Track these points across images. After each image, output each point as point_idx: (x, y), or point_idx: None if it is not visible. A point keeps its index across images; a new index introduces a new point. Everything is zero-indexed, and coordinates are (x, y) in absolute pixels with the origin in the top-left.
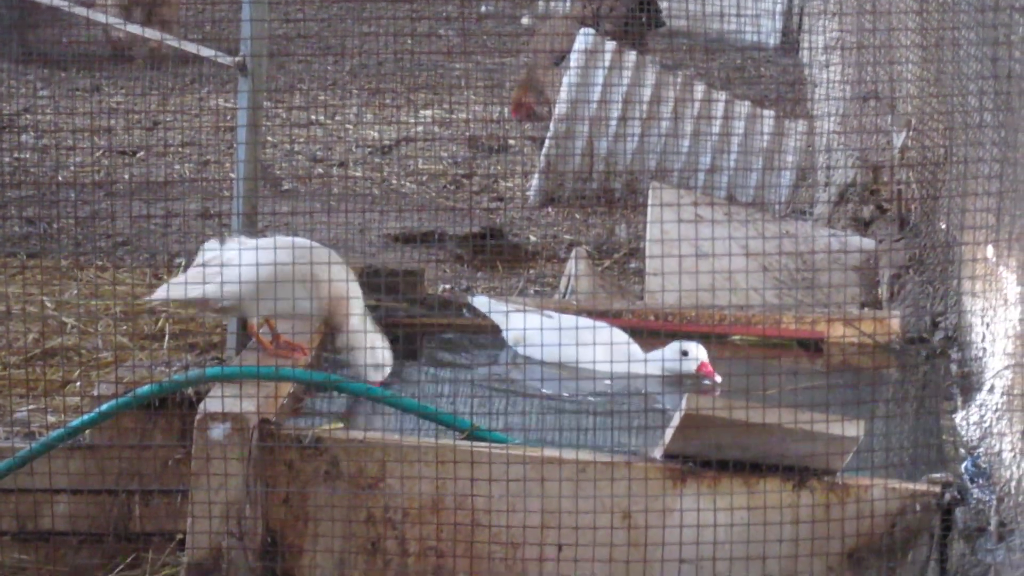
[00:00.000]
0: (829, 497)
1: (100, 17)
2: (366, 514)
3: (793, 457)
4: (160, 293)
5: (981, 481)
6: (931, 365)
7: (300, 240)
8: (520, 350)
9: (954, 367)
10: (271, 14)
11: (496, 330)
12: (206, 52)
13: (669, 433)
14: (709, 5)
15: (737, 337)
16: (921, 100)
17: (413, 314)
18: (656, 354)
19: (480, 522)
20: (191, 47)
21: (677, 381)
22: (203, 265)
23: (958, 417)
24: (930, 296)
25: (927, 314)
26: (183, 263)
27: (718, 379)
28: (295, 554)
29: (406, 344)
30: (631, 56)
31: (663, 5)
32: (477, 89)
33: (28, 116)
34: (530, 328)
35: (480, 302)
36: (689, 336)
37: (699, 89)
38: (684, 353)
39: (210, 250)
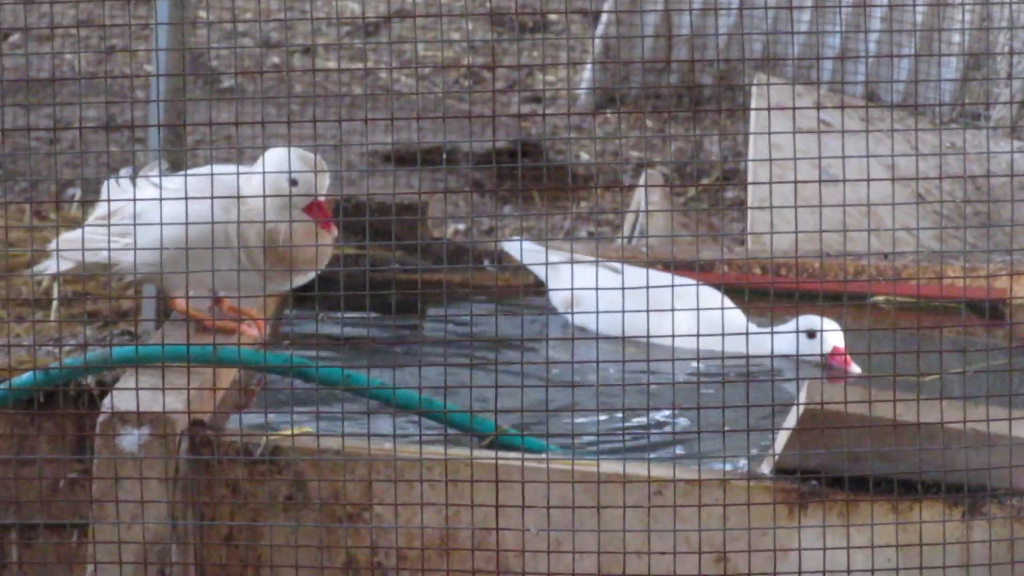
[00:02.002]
0: (1014, 529)
1: None
2: (345, 558)
3: (962, 472)
4: (47, 263)
5: None
6: None
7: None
8: (570, 317)
9: None
10: None
11: (534, 290)
12: None
13: (783, 438)
14: None
15: (881, 298)
16: None
17: (412, 267)
18: (768, 328)
19: (510, 568)
20: None
21: (794, 364)
22: (108, 219)
23: None
24: None
25: None
26: (77, 196)
27: (856, 370)
28: None
29: (402, 310)
30: None
31: None
32: None
33: None
34: (586, 287)
35: (515, 248)
36: (811, 298)
37: None
38: (810, 334)
39: (116, 198)
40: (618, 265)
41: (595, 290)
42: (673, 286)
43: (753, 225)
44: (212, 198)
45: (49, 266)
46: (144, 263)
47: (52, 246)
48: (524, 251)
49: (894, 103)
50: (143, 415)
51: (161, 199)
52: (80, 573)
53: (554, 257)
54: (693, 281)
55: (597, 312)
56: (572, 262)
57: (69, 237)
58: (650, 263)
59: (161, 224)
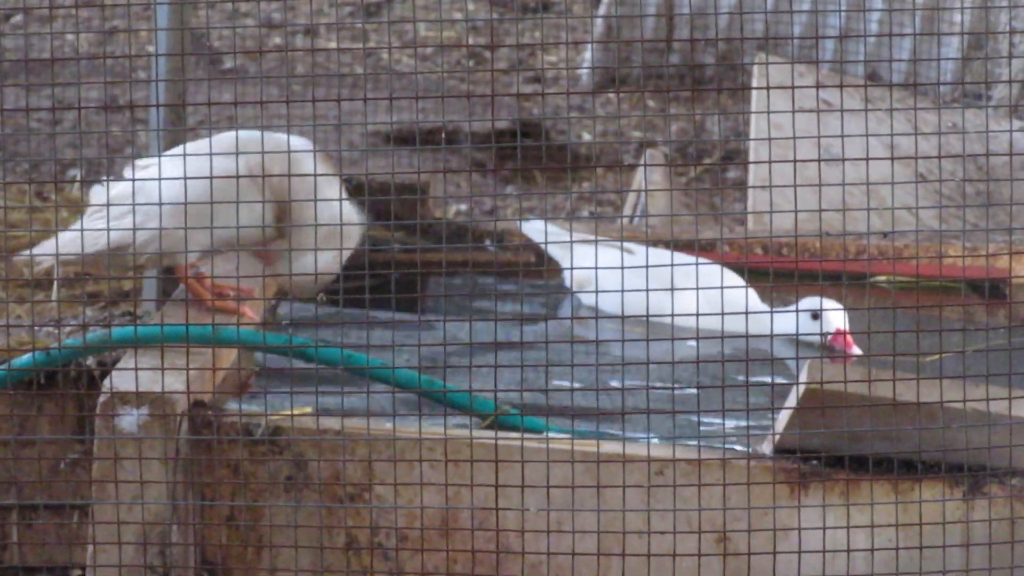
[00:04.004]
0: (1015, 509)
1: None
2: (346, 538)
3: (962, 451)
4: (44, 248)
5: None
6: None
7: (246, 134)
8: (582, 298)
9: None
10: None
11: (534, 269)
12: None
13: (783, 418)
14: None
15: (882, 278)
16: None
17: (412, 247)
18: (770, 308)
19: (511, 548)
20: None
21: (796, 344)
22: (107, 205)
23: None
24: None
25: None
26: (79, 177)
27: (857, 351)
28: None
29: (402, 289)
30: None
31: None
32: None
33: None
34: (602, 267)
35: (533, 229)
36: (811, 277)
37: None
38: (813, 316)
39: (118, 181)
40: (633, 246)
41: (595, 269)
42: (672, 265)
43: (754, 205)
44: (211, 154)
45: (43, 250)
46: (145, 230)
47: (49, 249)
48: (537, 231)
49: (894, 83)
50: (143, 395)
51: (161, 176)
52: (80, 554)
53: (572, 238)
54: (708, 261)
55: (596, 292)
56: (571, 241)
57: (68, 234)
58: (652, 243)
59: (160, 194)
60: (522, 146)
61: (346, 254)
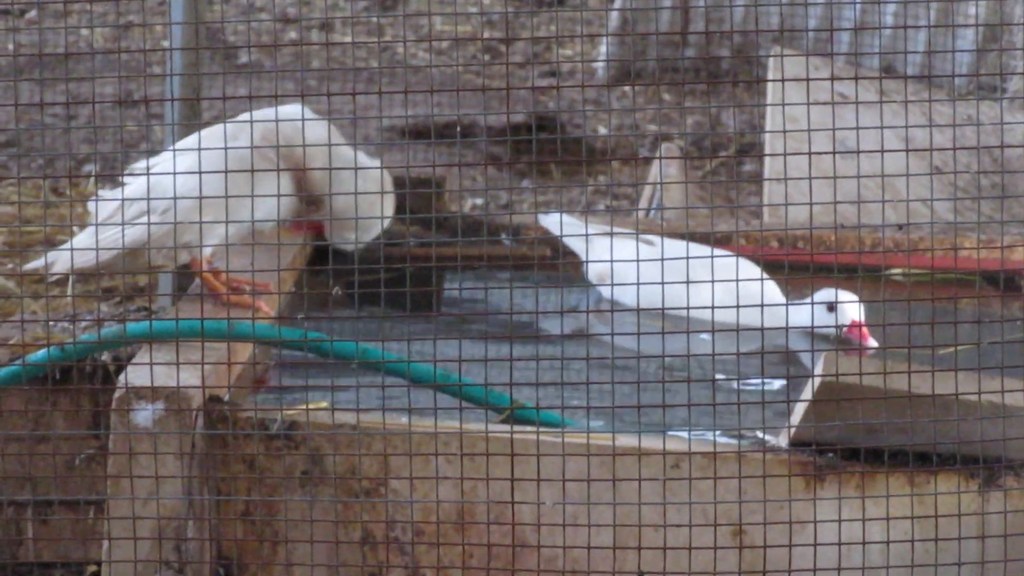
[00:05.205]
0: None
1: None
2: (362, 533)
3: (978, 444)
4: (59, 255)
5: None
6: None
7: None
8: (602, 291)
9: None
10: None
11: (549, 263)
12: None
13: (799, 411)
14: None
15: (897, 271)
16: None
17: (428, 241)
18: (786, 299)
19: (527, 542)
20: None
21: (812, 336)
22: (122, 200)
23: None
24: None
25: None
26: (94, 173)
27: (873, 343)
28: None
29: (417, 284)
30: None
31: None
32: None
33: None
34: (620, 259)
35: (552, 222)
36: (827, 271)
37: None
38: (829, 308)
39: (132, 178)
40: (653, 237)
41: (610, 262)
42: (689, 258)
43: (769, 197)
44: (226, 148)
45: (57, 263)
46: (163, 225)
47: (64, 255)
48: (556, 224)
49: (909, 75)
50: (158, 390)
51: (174, 169)
52: (95, 549)
53: (592, 231)
54: (726, 253)
55: (612, 285)
56: (587, 234)
57: (81, 241)
58: (667, 236)
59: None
60: (537, 140)
61: (388, 202)
